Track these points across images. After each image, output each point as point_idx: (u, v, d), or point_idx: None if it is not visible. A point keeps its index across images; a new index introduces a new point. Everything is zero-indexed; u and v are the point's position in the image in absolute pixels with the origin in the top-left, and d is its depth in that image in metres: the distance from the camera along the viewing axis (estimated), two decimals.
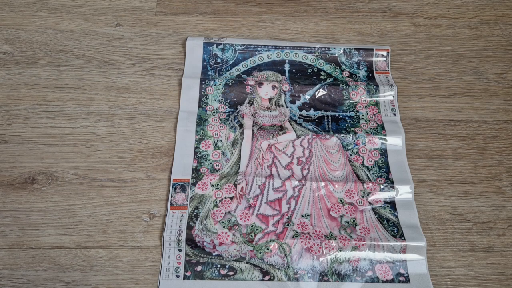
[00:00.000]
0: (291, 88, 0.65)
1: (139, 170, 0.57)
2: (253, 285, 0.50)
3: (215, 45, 0.68)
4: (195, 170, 0.57)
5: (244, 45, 0.68)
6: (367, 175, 0.58)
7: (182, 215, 0.54)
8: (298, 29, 0.72)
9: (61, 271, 0.50)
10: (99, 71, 0.66)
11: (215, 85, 0.64)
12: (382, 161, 0.59)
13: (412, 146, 0.60)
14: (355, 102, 0.64)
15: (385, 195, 0.56)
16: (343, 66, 0.67)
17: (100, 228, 0.53)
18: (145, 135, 0.60)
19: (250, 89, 0.65)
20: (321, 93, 0.64)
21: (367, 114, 0.63)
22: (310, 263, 0.51)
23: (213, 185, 0.56)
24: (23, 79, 0.64)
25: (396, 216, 0.54)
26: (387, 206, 0.55)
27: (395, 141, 0.60)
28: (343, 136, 0.60)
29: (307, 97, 0.64)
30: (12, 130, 0.60)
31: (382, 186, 0.56)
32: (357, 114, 0.63)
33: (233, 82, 0.65)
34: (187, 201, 0.55)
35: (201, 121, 0.61)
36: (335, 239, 0.52)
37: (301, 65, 0.67)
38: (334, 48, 0.68)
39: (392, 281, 0.50)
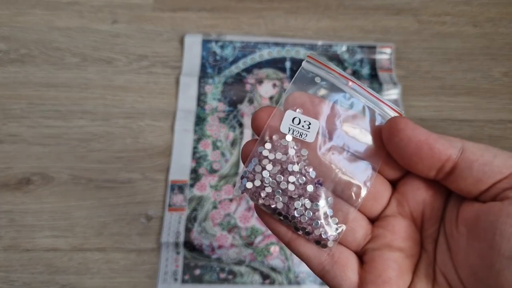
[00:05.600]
0: None
1: (136, 170, 0.56)
2: None
3: (214, 42, 0.66)
4: (194, 171, 0.56)
5: (244, 42, 0.66)
6: None
7: (180, 217, 0.52)
8: (299, 26, 0.70)
9: (57, 273, 0.50)
10: (95, 69, 0.64)
11: (214, 83, 0.63)
12: None
13: None
14: None
15: None
16: (346, 64, 0.66)
17: (96, 230, 0.52)
18: (142, 135, 0.59)
19: (250, 88, 0.63)
20: None
21: None
22: None
23: (212, 186, 0.55)
24: (19, 78, 0.63)
25: None
26: None
27: None
28: None
29: None
30: (7, 129, 0.59)
31: None
32: None
33: (233, 80, 0.63)
34: (185, 202, 0.54)
35: (200, 121, 0.60)
36: None
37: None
38: (336, 45, 0.67)
39: None
